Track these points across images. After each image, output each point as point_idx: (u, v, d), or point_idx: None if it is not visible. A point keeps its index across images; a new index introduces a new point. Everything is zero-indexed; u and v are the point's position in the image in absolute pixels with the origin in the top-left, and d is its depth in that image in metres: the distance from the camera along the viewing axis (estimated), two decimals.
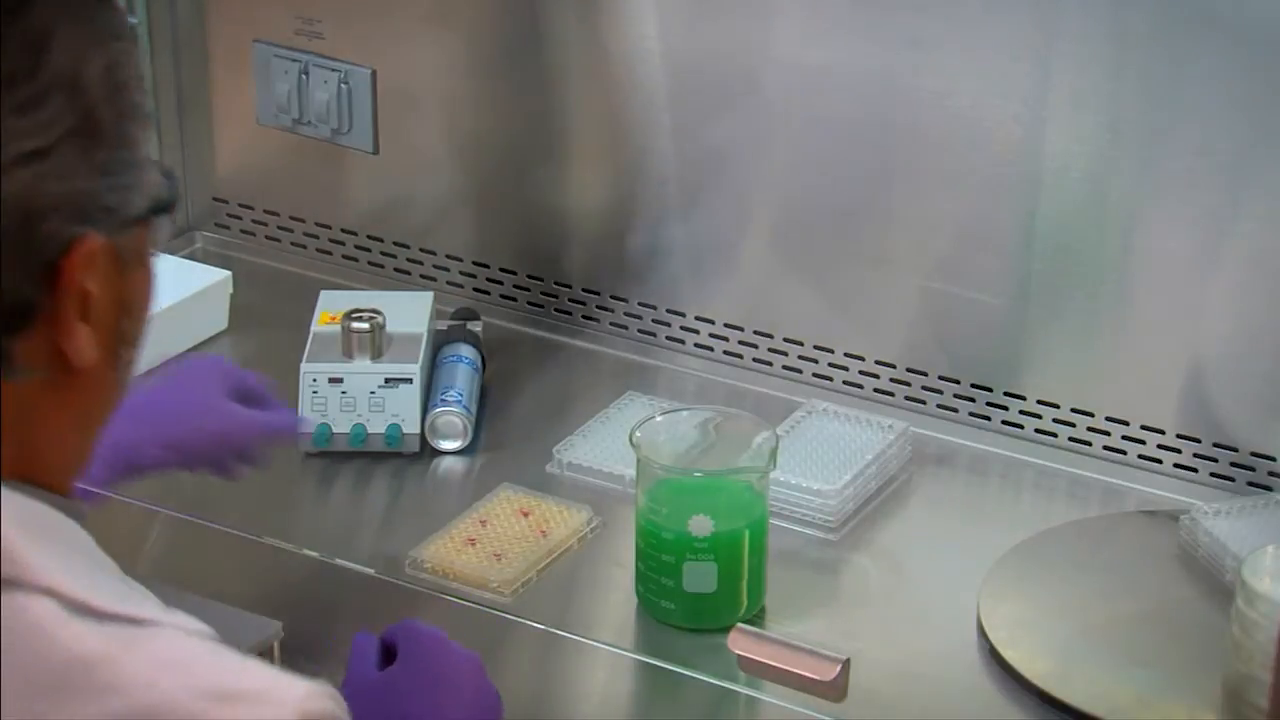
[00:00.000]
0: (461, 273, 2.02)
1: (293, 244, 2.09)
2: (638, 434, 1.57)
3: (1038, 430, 1.79)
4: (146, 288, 1.07)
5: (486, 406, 1.84)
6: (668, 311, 1.93)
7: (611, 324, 1.96)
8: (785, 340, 1.88)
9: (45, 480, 1.05)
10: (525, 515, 1.68)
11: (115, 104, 1.02)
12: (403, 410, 1.77)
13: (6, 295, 0.99)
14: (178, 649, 1.01)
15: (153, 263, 1.07)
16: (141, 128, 1.05)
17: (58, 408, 1.05)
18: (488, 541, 1.63)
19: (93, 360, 1.03)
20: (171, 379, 1.58)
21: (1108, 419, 1.77)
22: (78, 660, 0.99)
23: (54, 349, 1.02)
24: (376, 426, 1.77)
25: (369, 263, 2.06)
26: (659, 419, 1.61)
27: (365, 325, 1.80)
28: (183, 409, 1.54)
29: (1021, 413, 1.80)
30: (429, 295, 1.91)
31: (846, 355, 1.86)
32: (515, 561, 1.61)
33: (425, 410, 1.78)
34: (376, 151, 2.01)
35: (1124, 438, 1.76)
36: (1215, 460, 1.73)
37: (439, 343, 1.87)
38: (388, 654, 1.38)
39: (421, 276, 2.03)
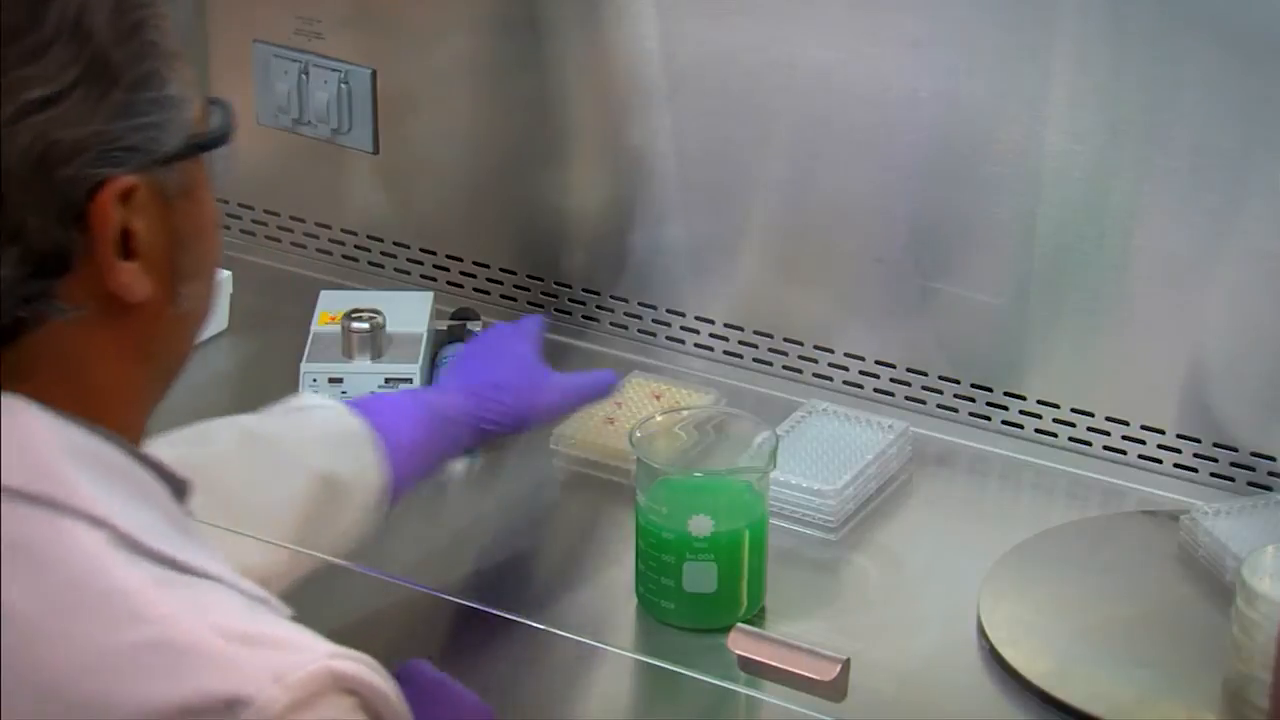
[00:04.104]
0: (461, 273, 2.02)
1: (293, 244, 2.09)
2: (638, 434, 1.57)
3: (1038, 430, 1.79)
4: (199, 221, 1.09)
5: None
6: (668, 311, 1.93)
7: (611, 324, 1.96)
8: (785, 340, 1.88)
9: (111, 423, 1.07)
10: (657, 398, 1.82)
11: (128, 46, 1.03)
12: None
13: (37, 241, 1.01)
14: (214, 596, 1.02)
15: (207, 195, 1.09)
16: (167, 66, 1.06)
17: (114, 344, 1.06)
18: (625, 420, 1.75)
19: (145, 295, 1.05)
20: (489, 349, 1.65)
21: (1108, 419, 1.77)
22: (115, 589, 0.99)
23: (102, 288, 1.04)
24: None
25: (369, 263, 2.06)
26: (659, 419, 1.61)
27: (365, 325, 1.79)
28: (508, 382, 1.60)
29: (1021, 413, 1.80)
30: (429, 295, 1.91)
31: (846, 355, 1.86)
32: None
33: None
34: (376, 151, 2.01)
35: (1124, 438, 1.76)
36: (1215, 460, 1.73)
37: (439, 343, 1.87)
38: None
39: (421, 276, 2.03)
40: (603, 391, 1.67)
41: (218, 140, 1.10)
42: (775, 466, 1.56)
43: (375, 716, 1.03)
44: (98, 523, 1.01)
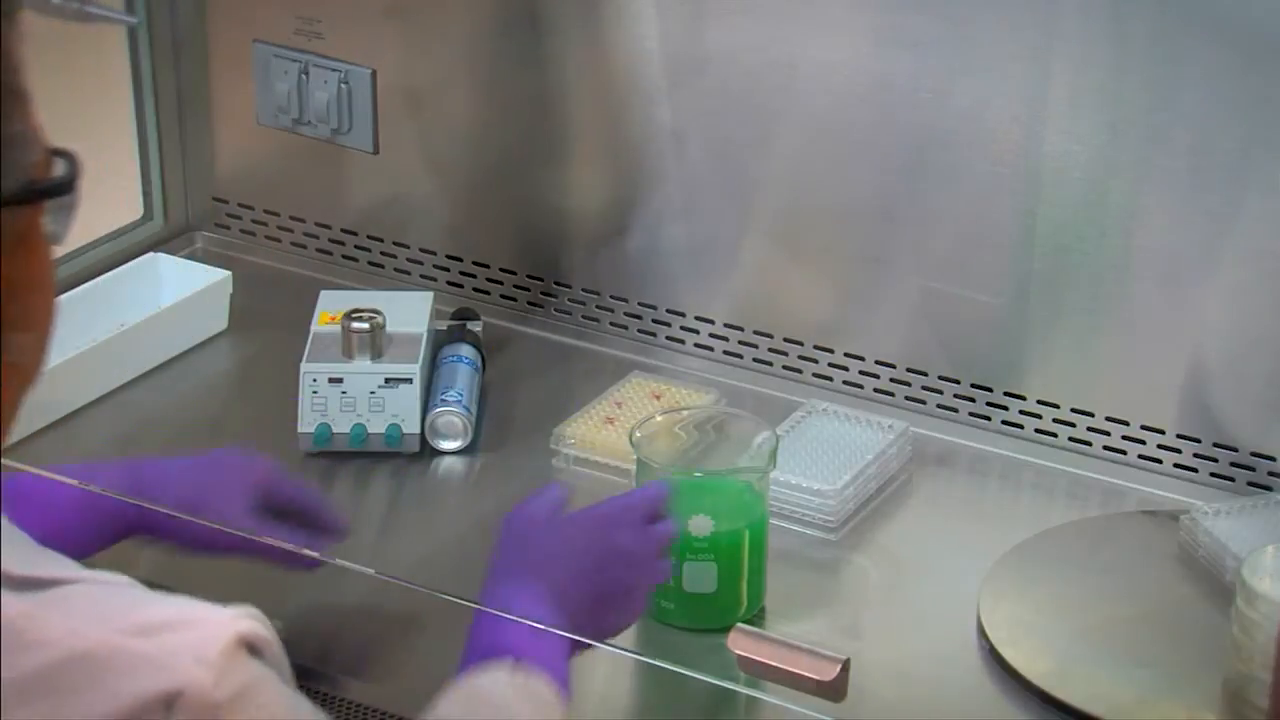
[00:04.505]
0: (461, 273, 2.02)
1: (293, 244, 2.09)
2: (638, 434, 1.57)
3: (1038, 430, 1.79)
4: (31, 272, 1.01)
5: (486, 406, 1.84)
6: (668, 311, 1.93)
7: (611, 324, 1.96)
8: (785, 340, 1.88)
9: None
10: (657, 398, 1.83)
11: None
12: (403, 410, 1.77)
13: None
14: (96, 597, 1.01)
15: (42, 247, 1.02)
16: (10, 103, 0.98)
17: None
18: (625, 420, 1.77)
19: None
20: (203, 470, 1.51)
21: (1108, 419, 1.77)
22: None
23: None
24: (376, 426, 1.77)
25: (369, 263, 2.06)
26: (659, 419, 1.61)
27: (365, 325, 1.79)
28: (203, 509, 1.48)
29: (1021, 413, 1.80)
30: (429, 295, 1.91)
31: (846, 355, 1.86)
32: None
33: (425, 410, 1.78)
34: (376, 151, 2.01)
35: (1124, 438, 1.76)
36: (1215, 460, 1.73)
37: (439, 343, 1.87)
38: None
39: (421, 276, 2.03)
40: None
41: (58, 189, 1.01)
42: (775, 466, 1.56)
43: (260, 659, 1.03)
44: None
